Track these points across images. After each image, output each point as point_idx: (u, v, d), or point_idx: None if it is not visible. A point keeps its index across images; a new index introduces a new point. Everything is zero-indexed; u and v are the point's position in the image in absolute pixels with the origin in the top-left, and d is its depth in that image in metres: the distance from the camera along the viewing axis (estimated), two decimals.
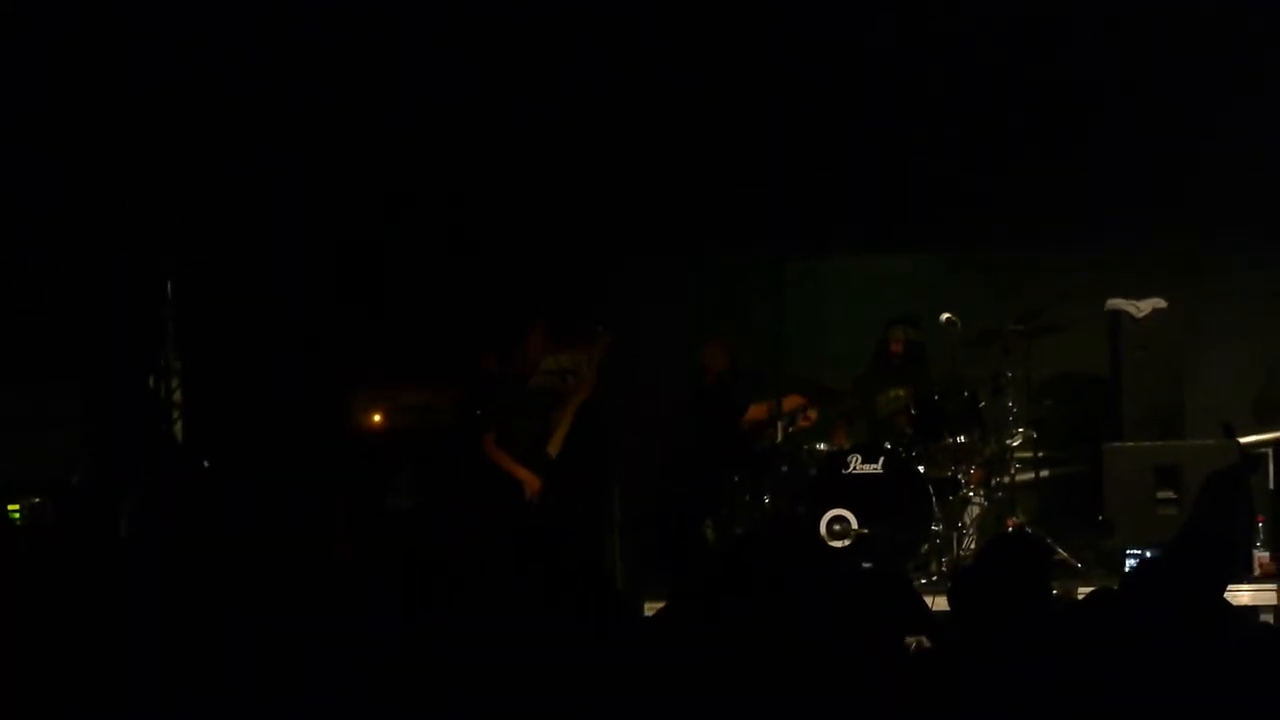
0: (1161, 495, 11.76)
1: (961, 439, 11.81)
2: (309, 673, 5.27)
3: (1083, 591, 7.11)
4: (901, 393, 12.04)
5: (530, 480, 10.97)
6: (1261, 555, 10.71)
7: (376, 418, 12.15)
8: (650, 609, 10.28)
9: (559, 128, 13.06)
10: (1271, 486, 11.86)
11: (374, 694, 5.10)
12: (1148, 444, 12.06)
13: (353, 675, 5.18)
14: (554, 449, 11.12)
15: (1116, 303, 12.67)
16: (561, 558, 6.28)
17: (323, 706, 5.12)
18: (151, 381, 13.03)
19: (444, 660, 5.18)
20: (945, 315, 11.93)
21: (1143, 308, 12.55)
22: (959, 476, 11.91)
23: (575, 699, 4.86)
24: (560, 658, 5.07)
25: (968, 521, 11.85)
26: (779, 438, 11.95)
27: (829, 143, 13.06)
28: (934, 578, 11.35)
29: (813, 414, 12.42)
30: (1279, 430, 11.13)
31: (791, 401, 12.20)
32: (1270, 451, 11.88)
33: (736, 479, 12.07)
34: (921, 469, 11.71)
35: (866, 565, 10.66)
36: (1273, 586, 10.44)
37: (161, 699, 5.37)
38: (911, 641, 5.72)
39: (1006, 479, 12.09)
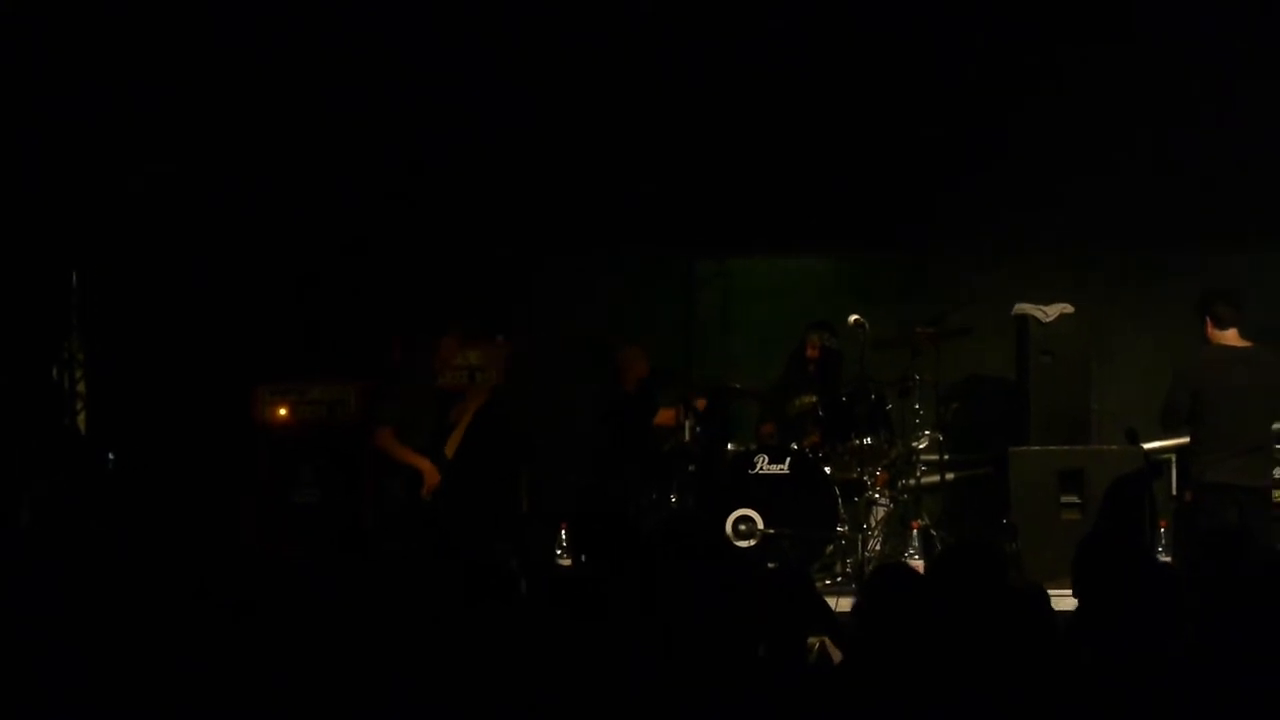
0: (1065, 499, 11.82)
1: (868, 440, 11.83)
2: (220, 669, 5.22)
3: None
4: (813, 399, 12.05)
5: (429, 471, 10.92)
6: (1165, 560, 10.77)
7: (283, 411, 12.06)
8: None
9: (474, 128, 13.01)
10: (1174, 492, 11.95)
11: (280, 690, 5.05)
12: (1053, 448, 12.12)
13: (262, 672, 5.14)
14: (450, 450, 11.10)
15: (1024, 307, 12.73)
16: (465, 554, 6.26)
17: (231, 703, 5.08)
18: (55, 372, 12.89)
19: (351, 658, 5.14)
20: (853, 317, 11.95)
21: (1050, 312, 12.62)
22: (865, 478, 11.93)
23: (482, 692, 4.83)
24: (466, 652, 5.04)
25: (873, 523, 11.88)
26: (686, 437, 11.96)
27: (739, 144, 13.05)
28: (839, 579, 11.38)
29: (701, 403, 12.43)
30: (1182, 437, 11.18)
31: (699, 404, 12.21)
32: (1173, 457, 11.97)
33: (644, 478, 12.06)
34: (828, 470, 11.73)
35: (771, 565, 10.68)
36: None
37: (61, 691, 5.30)
38: (815, 642, 5.72)
39: (912, 481, 12.14)
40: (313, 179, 12.94)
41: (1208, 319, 10.61)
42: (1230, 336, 10.51)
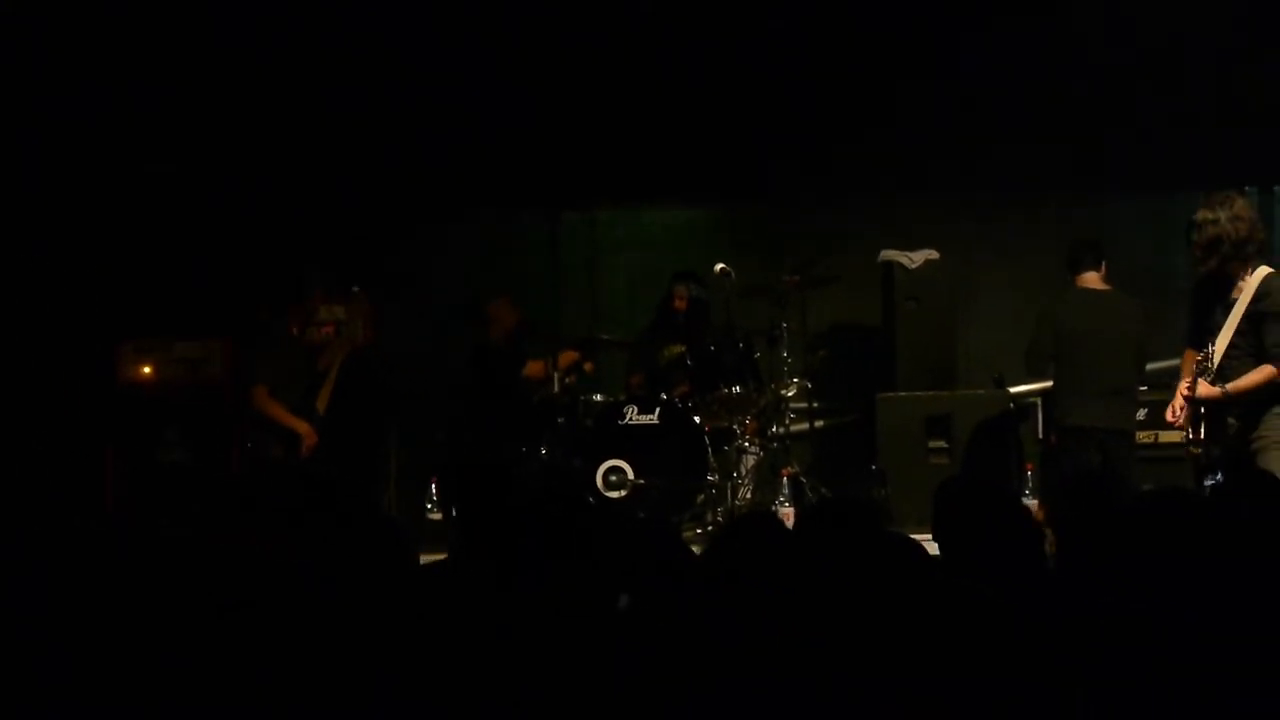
0: (933, 444, 11.95)
1: (737, 389, 11.80)
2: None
3: None
4: (683, 348, 12.05)
5: (308, 433, 10.87)
6: (1031, 503, 10.87)
7: (147, 369, 11.93)
8: (425, 561, 10.26)
9: (337, 84, 12.88)
10: (1040, 435, 12.07)
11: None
12: (920, 394, 12.23)
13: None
14: (321, 404, 11.03)
15: (890, 254, 12.81)
16: (338, 509, 6.22)
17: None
18: None
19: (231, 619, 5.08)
20: (720, 266, 11.94)
21: (915, 259, 12.70)
22: (734, 427, 11.95)
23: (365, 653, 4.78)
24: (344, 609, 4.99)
25: (743, 472, 11.90)
26: (555, 388, 11.95)
27: (601, 94, 13.00)
28: (710, 528, 11.40)
29: (589, 365, 12.45)
30: (1047, 379, 11.29)
31: (567, 357, 12.21)
32: (1040, 401, 12.09)
33: (513, 431, 12.03)
34: (697, 419, 11.73)
35: (641, 515, 10.68)
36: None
37: None
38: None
39: (781, 429, 12.17)
40: (178, 134, 12.78)
41: (1069, 265, 10.75)
42: (1090, 280, 10.64)
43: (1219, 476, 8.58)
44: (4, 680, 4.67)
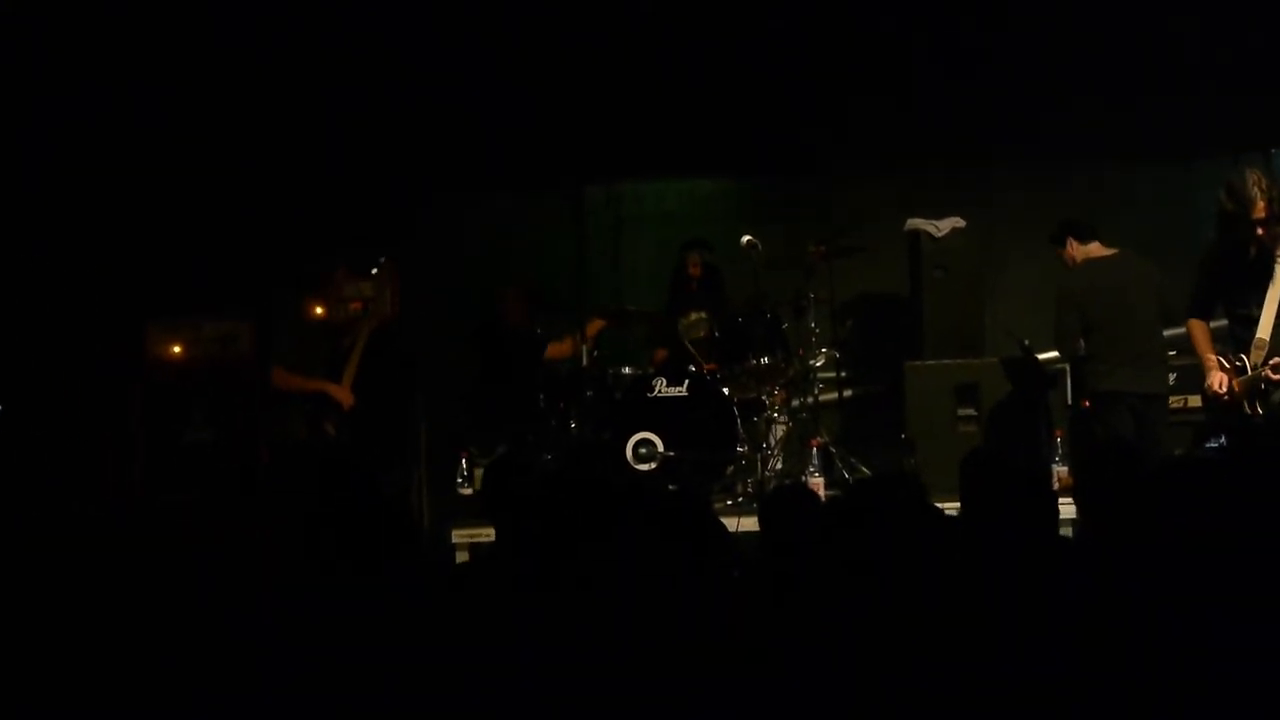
0: (961, 412, 11.91)
1: (765, 360, 11.81)
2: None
3: None
4: (704, 315, 12.06)
5: (341, 394, 10.86)
6: (1060, 469, 10.86)
7: (177, 349, 11.94)
8: (457, 536, 10.31)
9: (357, 60, 12.87)
10: (1069, 401, 12.05)
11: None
12: (947, 362, 12.19)
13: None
14: (347, 381, 11.04)
15: (916, 223, 12.79)
16: (362, 492, 6.23)
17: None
18: None
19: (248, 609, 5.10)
20: (746, 238, 11.92)
21: (941, 227, 12.68)
22: (763, 397, 11.96)
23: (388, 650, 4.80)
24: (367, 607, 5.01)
25: (772, 442, 11.91)
26: (584, 362, 11.96)
27: (623, 66, 12.98)
28: (740, 499, 11.40)
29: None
30: (1078, 353, 11.28)
31: (595, 326, 12.21)
32: (1067, 367, 12.07)
33: (543, 403, 12.05)
34: (726, 391, 11.74)
35: (672, 488, 10.70)
36: (1070, 500, 10.57)
37: None
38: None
39: (810, 399, 12.16)
40: (202, 115, 12.78)
41: (1070, 240, 10.80)
42: (1096, 248, 10.74)
43: (1222, 440, 8.65)
44: (6, 656, 4.71)
